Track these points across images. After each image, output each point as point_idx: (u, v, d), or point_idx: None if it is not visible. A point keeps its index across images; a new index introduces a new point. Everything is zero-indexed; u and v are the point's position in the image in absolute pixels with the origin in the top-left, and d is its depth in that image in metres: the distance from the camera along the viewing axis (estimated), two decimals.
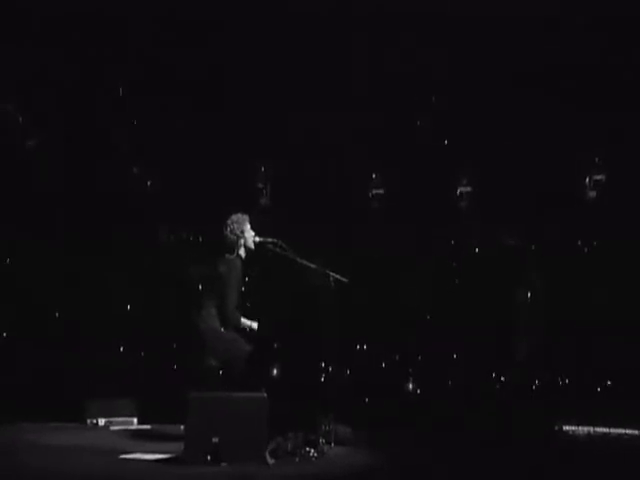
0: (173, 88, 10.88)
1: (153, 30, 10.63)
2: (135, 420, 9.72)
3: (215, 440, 6.99)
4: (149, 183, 11.11)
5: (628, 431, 9.59)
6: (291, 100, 10.81)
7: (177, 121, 10.90)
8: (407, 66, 10.73)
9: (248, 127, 10.86)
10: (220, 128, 10.88)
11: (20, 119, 10.74)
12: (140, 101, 10.97)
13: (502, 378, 10.76)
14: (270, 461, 7.08)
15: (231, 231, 8.16)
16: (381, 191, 11.20)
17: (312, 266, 8.15)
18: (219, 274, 8.04)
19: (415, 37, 10.53)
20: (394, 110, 10.86)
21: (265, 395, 7.23)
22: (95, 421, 9.56)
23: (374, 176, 11.25)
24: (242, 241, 8.16)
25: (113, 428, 9.42)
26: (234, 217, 8.22)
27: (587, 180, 10.87)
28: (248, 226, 8.22)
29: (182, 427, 7.35)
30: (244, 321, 8.12)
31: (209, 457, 6.95)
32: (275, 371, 8.08)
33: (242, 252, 8.20)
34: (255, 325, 8.15)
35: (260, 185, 11.16)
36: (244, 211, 8.27)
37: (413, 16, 10.44)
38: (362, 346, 10.90)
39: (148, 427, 9.47)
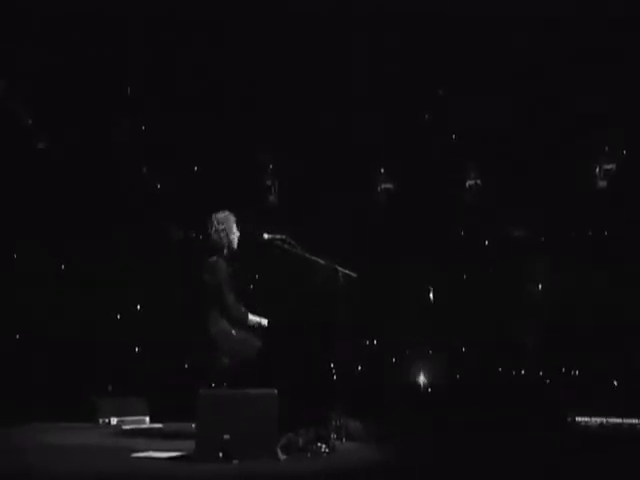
0: (175, 88, 10.93)
1: (153, 30, 10.67)
2: (147, 419, 9.74)
3: (226, 437, 6.96)
4: (158, 182, 11.16)
5: None
6: (292, 99, 10.85)
7: (182, 120, 10.92)
8: (407, 65, 10.79)
9: (251, 126, 10.88)
10: (225, 127, 10.90)
11: (28, 120, 10.78)
12: (143, 100, 11.00)
13: (513, 372, 10.80)
14: (281, 457, 7.07)
15: (216, 231, 7.88)
16: (390, 186, 11.21)
17: (321, 262, 8.13)
18: (205, 281, 7.84)
19: (415, 37, 10.59)
20: (399, 106, 10.89)
21: (275, 391, 7.19)
22: (107, 420, 9.58)
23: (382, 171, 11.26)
24: (227, 243, 7.88)
25: (125, 427, 9.43)
26: (220, 217, 7.93)
27: (597, 170, 10.85)
28: (235, 226, 7.95)
29: (193, 425, 7.35)
30: (253, 318, 7.99)
31: (220, 454, 6.93)
32: (285, 367, 8.06)
33: (225, 252, 7.90)
34: (265, 322, 8.04)
35: (268, 182, 11.12)
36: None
37: (413, 16, 10.48)
38: (372, 341, 10.92)
39: (160, 425, 9.48)
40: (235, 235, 7.95)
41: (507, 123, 10.92)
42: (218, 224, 7.89)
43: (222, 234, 7.87)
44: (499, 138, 10.98)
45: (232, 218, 7.96)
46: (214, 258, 7.86)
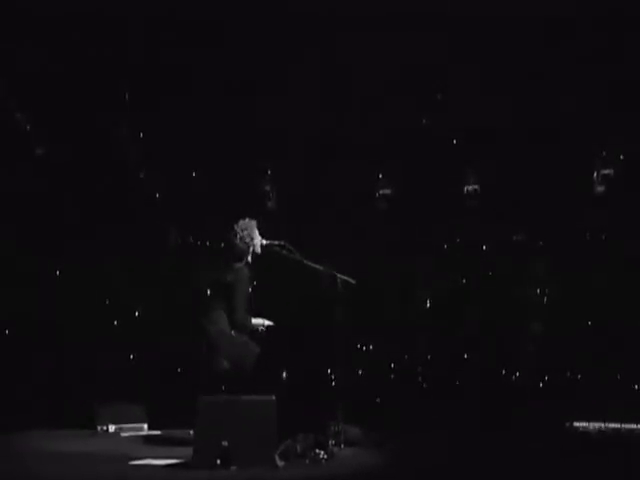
0: (175, 90, 10.90)
1: (153, 30, 10.63)
2: (145, 426, 9.72)
3: (224, 444, 6.98)
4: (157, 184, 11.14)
5: None
6: (292, 101, 10.82)
7: (181, 123, 10.89)
8: (407, 65, 10.75)
9: (251, 129, 10.86)
10: (223, 131, 10.88)
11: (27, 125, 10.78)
12: (142, 103, 10.98)
13: (512, 376, 10.79)
14: (280, 464, 7.08)
15: (241, 239, 8.07)
16: (388, 191, 11.19)
17: (319, 268, 8.15)
18: (227, 283, 7.97)
19: (415, 37, 10.55)
20: (397, 109, 10.85)
21: (274, 398, 7.21)
22: (105, 428, 9.55)
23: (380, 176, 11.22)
24: (252, 249, 8.11)
25: (123, 434, 9.43)
26: (242, 224, 8.13)
27: (595, 175, 10.81)
28: (257, 232, 8.14)
29: (192, 432, 7.36)
30: (256, 321, 8.06)
31: (219, 461, 6.94)
32: (284, 373, 8.07)
33: (250, 259, 8.13)
34: (267, 322, 8.12)
35: (267, 188, 11.11)
36: (250, 215, 8.23)
37: (413, 16, 10.44)
38: (370, 346, 10.92)
39: (158, 432, 9.47)
40: (257, 240, 8.13)
41: (507, 123, 10.87)
42: (242, 231, 8.08)
43: (246, 240, 8.06)
44: (499, 138, 10.94)
45: (254, 224, 8.16)
46: (240, 264, 8.04)
